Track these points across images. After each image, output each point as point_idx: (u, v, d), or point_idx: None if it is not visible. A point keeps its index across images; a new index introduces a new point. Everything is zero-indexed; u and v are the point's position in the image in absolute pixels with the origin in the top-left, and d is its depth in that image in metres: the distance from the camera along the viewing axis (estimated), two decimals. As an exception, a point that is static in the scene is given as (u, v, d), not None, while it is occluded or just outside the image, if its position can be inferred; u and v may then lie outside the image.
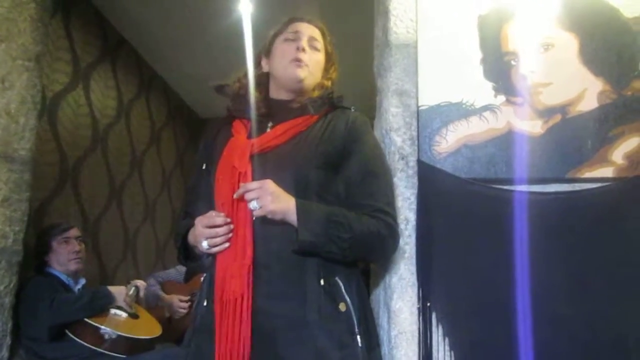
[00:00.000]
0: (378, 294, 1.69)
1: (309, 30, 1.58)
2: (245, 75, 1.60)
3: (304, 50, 1.53)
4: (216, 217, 1.38)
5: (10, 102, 2.23)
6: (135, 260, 4.18)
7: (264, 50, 1.64)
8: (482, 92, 1.63)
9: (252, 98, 1.55)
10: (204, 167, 1.58)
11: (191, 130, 5.58)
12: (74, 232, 2.73)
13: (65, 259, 2.64)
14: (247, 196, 1.34)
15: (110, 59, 3.80)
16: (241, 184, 1.36)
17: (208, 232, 1.37)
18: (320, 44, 1.59)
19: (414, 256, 1.56)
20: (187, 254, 1.56)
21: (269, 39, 1.63)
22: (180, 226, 1.58)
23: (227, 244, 1.37)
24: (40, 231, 2.71)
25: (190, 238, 1.49)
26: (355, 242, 1.35)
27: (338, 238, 1.33)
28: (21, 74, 2.30)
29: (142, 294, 2.91)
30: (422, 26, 1.67)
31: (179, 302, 3.47)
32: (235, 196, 1.37)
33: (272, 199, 1.31)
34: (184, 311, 3.46)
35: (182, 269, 3.72)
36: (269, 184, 1.33)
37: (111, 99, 3.83)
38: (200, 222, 1.41)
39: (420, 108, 1.63)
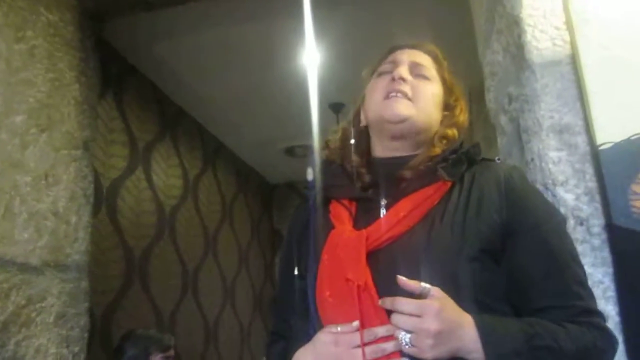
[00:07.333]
0: None
1: (410, 56, 1.11)
2: (340, 134, 1.14)
3: (401, 79, 1.05)
4: (377, 328, 0.87)
5: (57, 200, 1.93)
6: (219, 351, 3.75)
7: (361, 100, 1.16)
8: (689, 112, 1.11)
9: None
10: (295, 273, 1.08)
11: (263, 197, 5.21)
12: (173, 352, 2.33)
13: None
14: (397, 322, 0.85)
15: (171, 134, 3.50)
16: (392, 300, 0.86)
17: (369, 352, 0.85)
18: (430, 71, 1.10)
19: (626, 370, 1.03)
20: None
21: (364, 81, 1.17)
22: (273, 355, 1.10)
23: None
24: (130, 337, 2.28)
25: None
26: None
27: None
28: (68, 165, 2.00)
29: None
30: (581, 34, 1.18)
31: None
32: (380, 303, 0.87)
33: (435, 343, 0.81)
34: None
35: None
36: (433, 313, 0.82)
37: (175, 178, 3.50)
38: (341, 343, 0.88)
39: (600, 148, 1.12)
